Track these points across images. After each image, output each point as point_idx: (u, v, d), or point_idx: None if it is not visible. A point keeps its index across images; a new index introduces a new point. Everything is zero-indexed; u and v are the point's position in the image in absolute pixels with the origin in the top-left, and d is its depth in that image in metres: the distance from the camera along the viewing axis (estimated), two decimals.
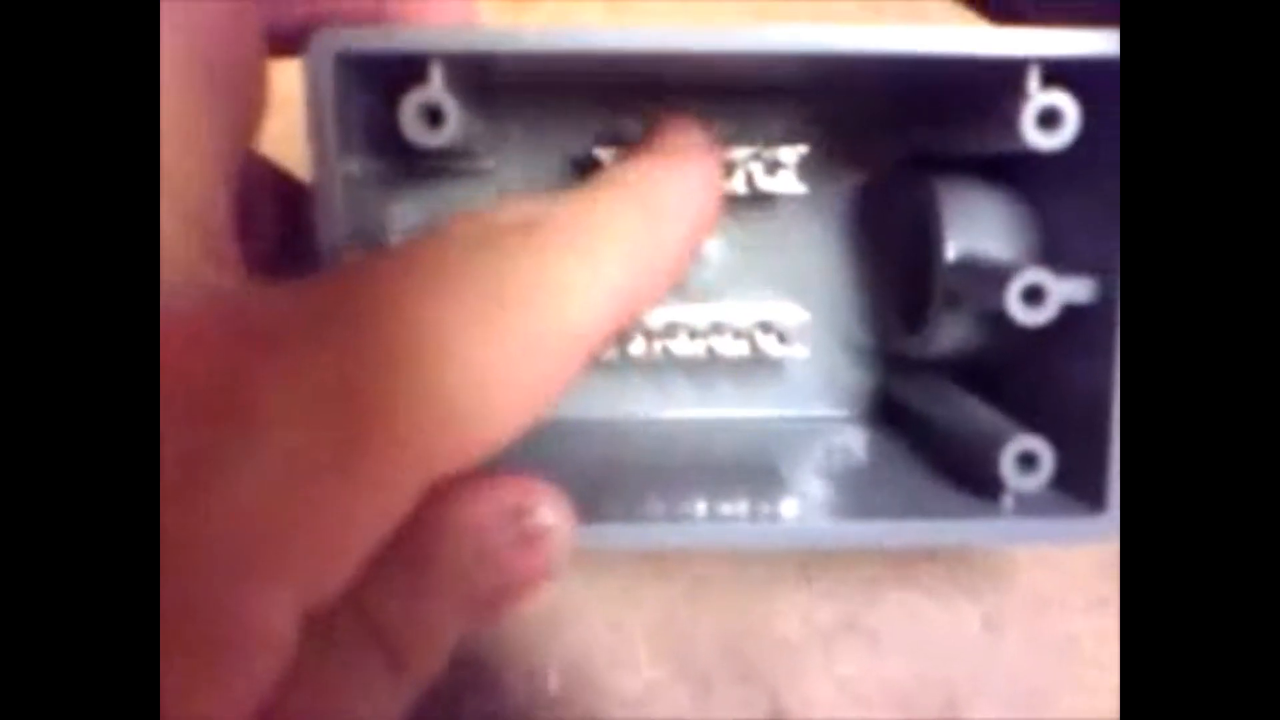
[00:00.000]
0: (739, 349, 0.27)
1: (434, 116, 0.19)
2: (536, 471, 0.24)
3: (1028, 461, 0.21)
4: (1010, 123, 0.20)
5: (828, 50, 0.20)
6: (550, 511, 0.18)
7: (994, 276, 0.21)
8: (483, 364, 0.15)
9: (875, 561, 0.31)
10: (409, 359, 0.14)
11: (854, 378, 0.29)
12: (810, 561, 0.31)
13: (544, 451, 0.26)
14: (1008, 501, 0.22)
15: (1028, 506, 0.22)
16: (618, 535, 0.21)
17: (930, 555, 0.31)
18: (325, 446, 0.14)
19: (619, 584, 0.31)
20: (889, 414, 0.28)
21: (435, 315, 0.15)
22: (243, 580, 0.13)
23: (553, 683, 0.30)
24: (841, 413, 0.29)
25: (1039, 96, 0.20)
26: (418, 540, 0.16)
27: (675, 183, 0.18)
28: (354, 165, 0.21)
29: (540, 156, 0.26)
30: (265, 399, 0.14)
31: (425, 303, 0.15)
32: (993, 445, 0.22)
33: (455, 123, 0.19)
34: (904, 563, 0.31)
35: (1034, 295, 0.20)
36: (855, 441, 0.27)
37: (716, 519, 0.22)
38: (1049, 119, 0.20)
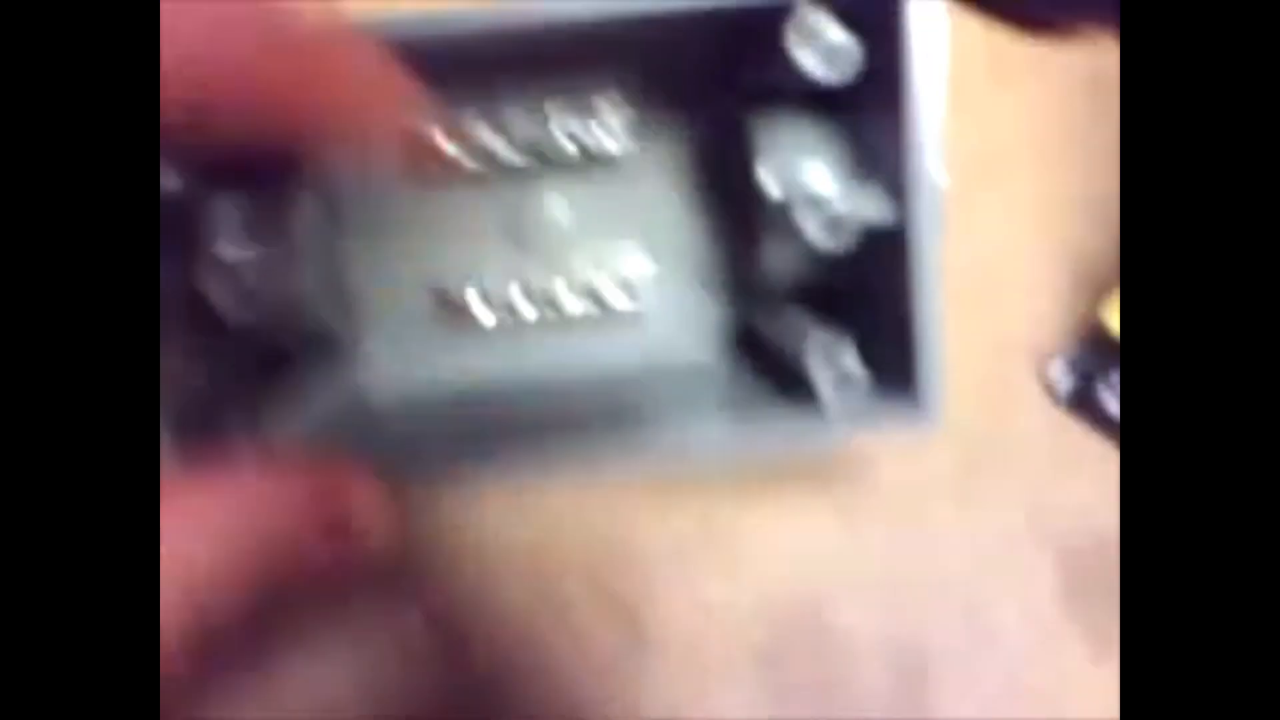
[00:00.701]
0: (588, 306, 0.28)
1: None
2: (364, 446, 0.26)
3: (832, 358, 0.23)
4: (792, 62, 0.22)
5: (599, 14, 0.21)
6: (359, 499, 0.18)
7: (801, 209, 0.23)
8: None
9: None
10: None
11: (707, 322, 0.30)
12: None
13: (385, 425, 0.27)
14: (826, 399, 0.23)
15: (849, 410, 0.23)
16: (469, 466, 0.23)
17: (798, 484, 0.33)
18: None
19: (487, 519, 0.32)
20: (749, 351, 0.30)
21: None
22: None
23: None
24: (701, 358, 0.30)
25: (821, 35, 0.21)
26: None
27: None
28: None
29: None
30: None
31: None
32: (800, 344, 0.23)
33: None
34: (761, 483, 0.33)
35: (834, 226, 0.22)
36: (713, 381, 0.29)
37: (568, 441, 0.23)
38: (831, 56, 0.21)
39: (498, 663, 0.32)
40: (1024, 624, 0.33)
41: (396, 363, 0.29)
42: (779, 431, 0.24)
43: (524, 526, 0.32)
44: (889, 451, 0.33)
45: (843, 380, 0.23)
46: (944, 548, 0.33)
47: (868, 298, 0.25)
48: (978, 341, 0.33)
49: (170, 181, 0.21)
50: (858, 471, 0.33)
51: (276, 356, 0.25)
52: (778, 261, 0.26)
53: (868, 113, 0.24)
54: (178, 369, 0.21)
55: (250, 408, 0.22)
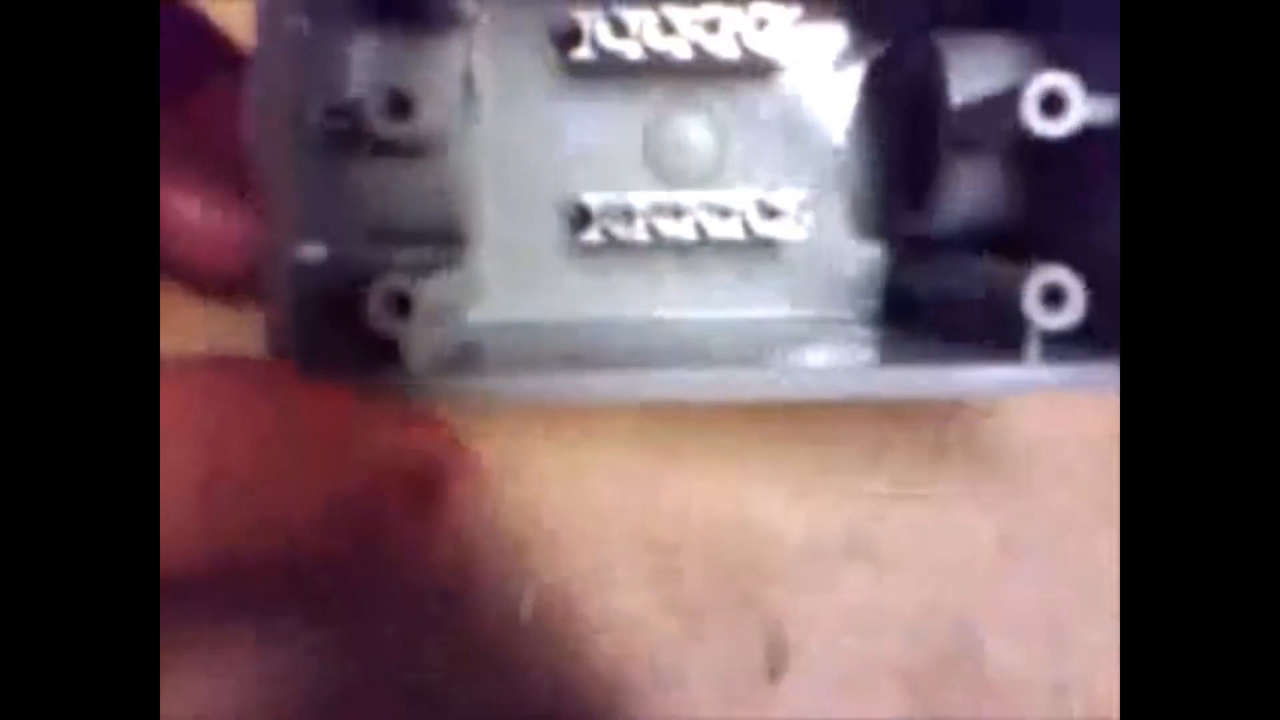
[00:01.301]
0: (733, 230, 0.25)
1: None
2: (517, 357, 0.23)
3: (1054, 298, 0.19)
4: None
5: None
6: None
7: (1005, 97, 0.19)
8: None
9: (880, 473, 0.29)
10: None
11: (857, 265, 0.27)
12: (810, 478, 0.28)
13: (525, 346, 0.24)
14: (1033, 345, 0.20)
15: (1054, 352, 0.20)
16: (600, 385, 0.19)
17: (939, 466, 0.29)
18: None
19: (597, 503, 0.28)
20: (897, 313, 0.26)
21: None
22: None
23: (526, 611, 0.28)
24: (845, 311, 0.27)
25: None
26: None
27: None
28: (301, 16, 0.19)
29: (516, 16, 0.25)
30: None
31: None
32: (1015, 285, 0.19)
33: None
34: (911, 479, 0.29)
35: (1053, 103, 0.18)
36: (861, 333, 0.25)
37: (715, 367, 0.20)
38: None
39: (605, 674, 0.28)
40: None
41: (516, 281, 0.26)
42: (967, 373, 0.20)
43: (643, 515, 0.28)
44: (1052, 468, 0.29)
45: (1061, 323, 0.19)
46: (1109, 582, 0.28)
47: (1062, 232, 0.22)
48: None
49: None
50: (1021, 487, 0.29)
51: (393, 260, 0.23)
52: (955, 189, 0.23)
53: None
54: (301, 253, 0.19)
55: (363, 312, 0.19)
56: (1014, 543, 0.29)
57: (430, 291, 0.18)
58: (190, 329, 0.26)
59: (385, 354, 0.18)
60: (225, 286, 0.26)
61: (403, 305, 0.18)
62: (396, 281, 0.18)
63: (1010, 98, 0.19)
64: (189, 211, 0.23)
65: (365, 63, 0.21)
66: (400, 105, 0.18)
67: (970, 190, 0.23)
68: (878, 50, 0.26)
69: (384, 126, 0.18)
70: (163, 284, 0.25)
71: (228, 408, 0.16)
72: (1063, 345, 0.19)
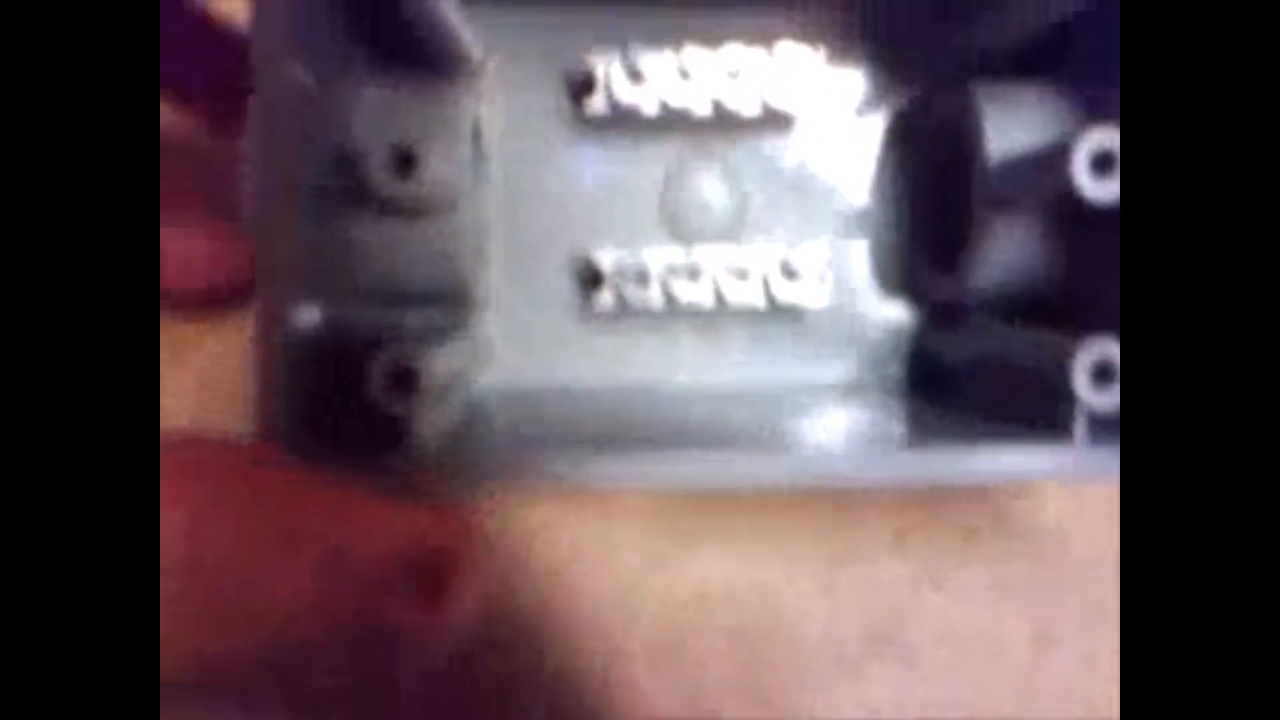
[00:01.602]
0: (752, 294, 0.24)
1: None
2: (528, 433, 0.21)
3: (1104, 374, 0.18)
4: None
5: None
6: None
7: (1050, 155, 0.18)
8: None
9: (906, 558, 0.27)
10: None
11: (882, 329, 0.25)
12: (832, 566, 0.27)
13: (536, 419, 0.22)
14: (1081, 426, 0.18)
15: (1100, 432, 0.18)
16: (616, 470, 0.18)
17: (967, 551, 0.27)
18: None
19: (615, 586, 0.26)
20: (925, 381, 0.25)
21: None
22: None
23: (538, 712, 0.26)
24: (869, 378, 0.25)
25: None
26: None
27: None
28: (303, 67, 0.18)
29: (527, 64, 0.24)
30: None
31: None
32: (1061, 360, 0.18)
33: None
34: (938, 565, 0.27)
35: (1105, 163, 0.17)
36: (887, 404, 0.24)
37: (734, 448, 0.18)
38: None
39: None
40: None
41: (525, 346, 0.24)
42: (1008, 455, 0.18)
43: (660, 601, 0.26)
44: (1086, 551, 0.27)
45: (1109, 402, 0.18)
46: None
47: (1101, 296, 0.20)
48: None
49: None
50: (1053, 574, 0.27)
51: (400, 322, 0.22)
52: (988, 251, 0.21)
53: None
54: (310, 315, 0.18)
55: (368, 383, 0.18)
56: (1046, 635, 0.27)
57: (438, 364, 0.17)
58: (180, 347, 0.25)
59: (387, 432, 0.17)
60: (216, 307, 0.25)
61: (408, 380, 0.16)
62: (400, 354, 0.16)
63: (1057, 155, 0.18)
64: (184, 239, 0.22)
65: (369, 114, 0.20)
66: (404, 162, 0.17)
67: (1006, 252, 0.22)
68: (904, 99, 0.25)
69: (387, 184, 0.17)
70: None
71: (205, 490, 0.15)
72: (1108, 425, 0.18)
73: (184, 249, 0.22)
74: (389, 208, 0.19)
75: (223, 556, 0.15)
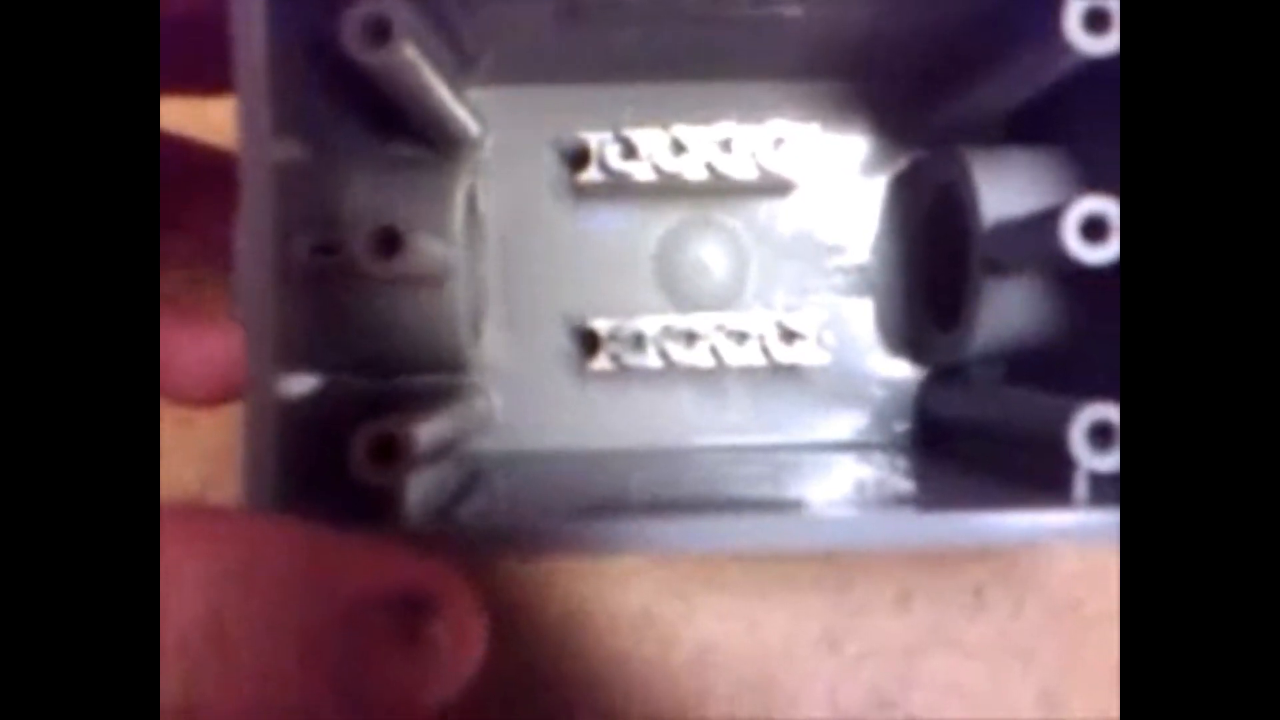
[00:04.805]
0: (751, 356, 0.24)
1: (379, 30, 0.17)
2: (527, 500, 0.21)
3: (1102, 435, 0.18)
4: (1052, 34, 0.17)
5: None
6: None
7: (1041, 220, 0.18)
8: None
9: (911, 620, 0.26)
10: None
11: (883, 387, 0.25)
12: (836, 626, 0.26)
13: (536, 484, 0.22)
14: (1079, 487, 0.18)
15: (1101, 493, 0.18)
16: (617, 538, 0.18)
17: (973, 611, 0.26)
18: None
19: (610, 646, 0.26)
20: (927, 439, 0.25)
21: None
22: None
23: None
24: (871, 436, 0.25)
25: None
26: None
27: None
28: (293, 144, 0.18)
29: (522, 139, 0.24)
30: None
31: None
32: (1059, 423, 0.18)
33: (405, 36, 0.17)
34: (944, 625, 0.26)
35: (1095, 228, 0.17)
36: (890, 463, 0.24)
37: (735, 513, 0.18)
38: (1095, 20, 0.17)
39: None
40: None
41: (524, 411, 0.24)
42: (1007, 519, 0.18)
43: (661, 663, 0.26)
44: (1095, 610, 0.27)
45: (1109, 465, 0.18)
46: None
47: (1099, 359, 0.20)
48: None
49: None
50: (1061, 633, 0.26)
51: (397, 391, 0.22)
52: (986, 312, 0.21)
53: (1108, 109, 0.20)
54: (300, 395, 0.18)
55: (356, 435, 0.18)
56: (1054, 694, 0.26)
57: (424, 434, 0.17)
58: (182, 451, 0.25)
59: (372, 503, 0.17)
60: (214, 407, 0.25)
61: (392, 450, 0.16)
62: (384, 426, 0.16)
63: (1048, 220, 0.18)
64: (181, 338, 0.22)
65: (361, 189, 0.20)
66: (390, 243, 0.17)
67: (1004, 314, 0.21)
68: (901, 164, 0.25)
69: (372, 264, 0.17)
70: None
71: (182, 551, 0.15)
72: (1110, 486, 0.18)
73: (198, 356, 0.22)
74: (380, 280, 0.19)
75: (198, 612, 0.15)
